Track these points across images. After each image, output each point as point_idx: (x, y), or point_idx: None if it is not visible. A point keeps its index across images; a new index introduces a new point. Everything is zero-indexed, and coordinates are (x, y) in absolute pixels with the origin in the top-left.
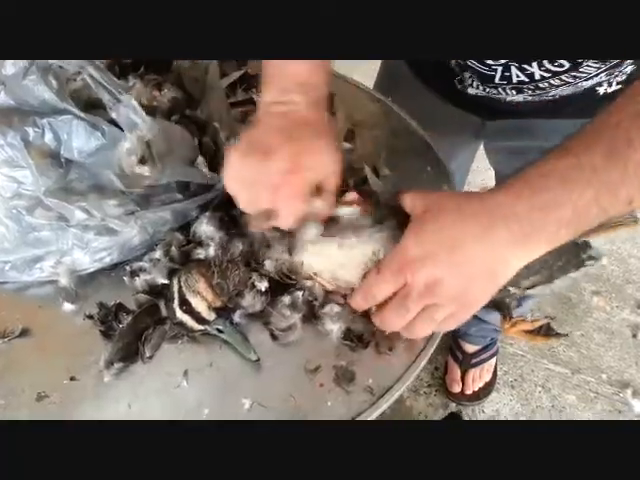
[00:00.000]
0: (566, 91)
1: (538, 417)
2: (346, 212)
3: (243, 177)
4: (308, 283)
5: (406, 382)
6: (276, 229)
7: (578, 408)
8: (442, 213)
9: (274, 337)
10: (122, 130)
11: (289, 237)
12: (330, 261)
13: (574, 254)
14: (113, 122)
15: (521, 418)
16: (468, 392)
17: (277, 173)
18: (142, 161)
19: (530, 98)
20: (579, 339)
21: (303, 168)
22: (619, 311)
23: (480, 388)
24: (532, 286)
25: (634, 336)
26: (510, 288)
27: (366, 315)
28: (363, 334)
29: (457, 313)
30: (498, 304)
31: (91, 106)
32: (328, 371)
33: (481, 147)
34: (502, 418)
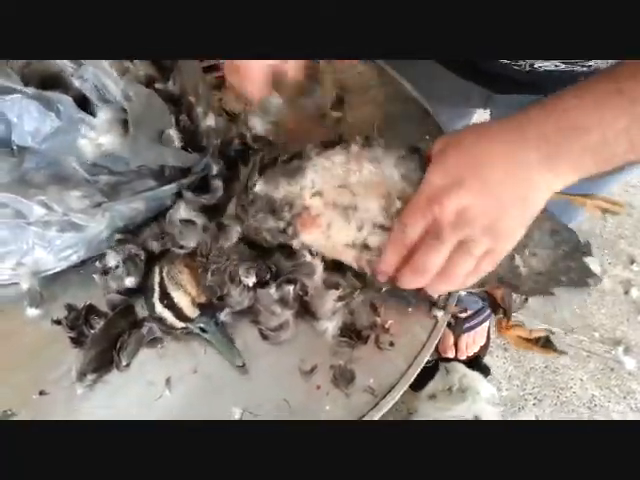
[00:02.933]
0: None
1: (532, 379)
2: None
3: None
4: (306, 258)
5: (410, 379)
6: None
7: (571, 368)
8: (463, 136)
9: (264, 336)
10: (82, 108)
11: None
12: (337, 170)
13: (574, 242)
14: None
15: (514, 381)
16: (462, 358)
17: None
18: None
19: (563, 67)
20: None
21: None
22: (611, 267)
23: (475, 353)
24: (538, 272)
25: (626, 293)
26: (516, 256)
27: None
28: (361, 330)
29: (494, 248)
30: (495, 301)
31: (47, 83)
32: (325, 371)
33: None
34: (495, 381)
